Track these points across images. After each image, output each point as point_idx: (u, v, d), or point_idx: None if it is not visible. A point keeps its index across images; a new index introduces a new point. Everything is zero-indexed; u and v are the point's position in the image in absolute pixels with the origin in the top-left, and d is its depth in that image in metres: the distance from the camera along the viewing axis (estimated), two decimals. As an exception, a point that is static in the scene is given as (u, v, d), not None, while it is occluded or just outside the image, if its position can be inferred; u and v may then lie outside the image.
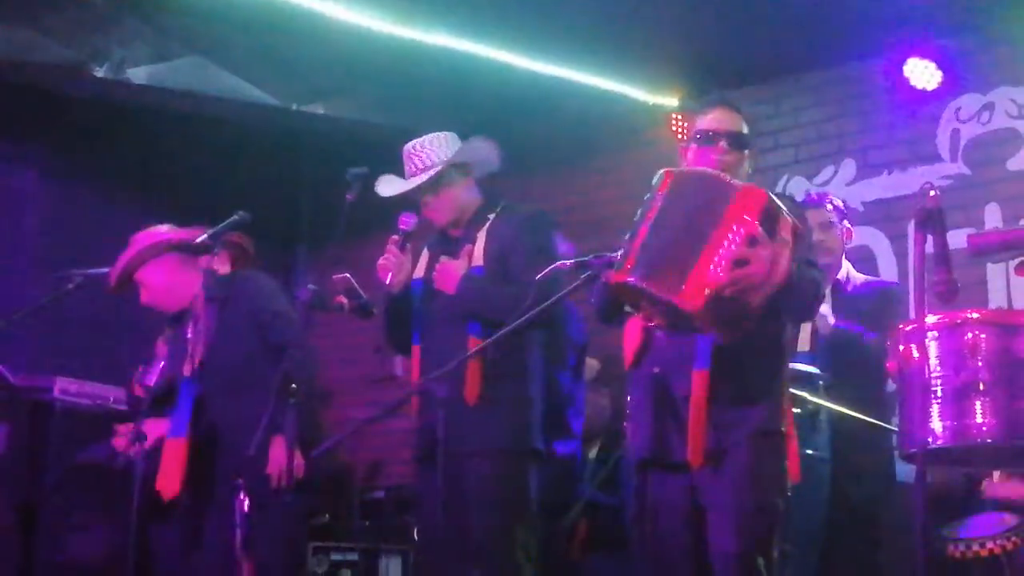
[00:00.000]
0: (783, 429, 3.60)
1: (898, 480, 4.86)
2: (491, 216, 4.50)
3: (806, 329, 4.78)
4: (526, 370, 4.41)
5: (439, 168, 4.45)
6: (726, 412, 3.52)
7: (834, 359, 4.66)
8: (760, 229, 3.35)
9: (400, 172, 4.55)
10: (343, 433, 4.94)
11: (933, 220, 3.24)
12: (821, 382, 4.56)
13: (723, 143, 3.70)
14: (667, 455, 3.58)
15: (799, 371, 4.41)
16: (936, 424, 3.38)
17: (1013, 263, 4.11)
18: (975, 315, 3.46)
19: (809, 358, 4.71)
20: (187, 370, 4.72)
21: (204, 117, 7.00)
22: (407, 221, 4.49)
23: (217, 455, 4.69)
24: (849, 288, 5.00)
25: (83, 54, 6.19)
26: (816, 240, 4.21)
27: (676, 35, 6.26)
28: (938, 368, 3.42)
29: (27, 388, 5.90)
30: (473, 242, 4.45)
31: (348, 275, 4.56)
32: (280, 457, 4.53)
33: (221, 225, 4.69)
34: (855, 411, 4.57)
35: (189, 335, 4.77)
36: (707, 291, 3.30)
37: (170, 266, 4.85)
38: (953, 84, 6.12)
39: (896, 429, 4.19)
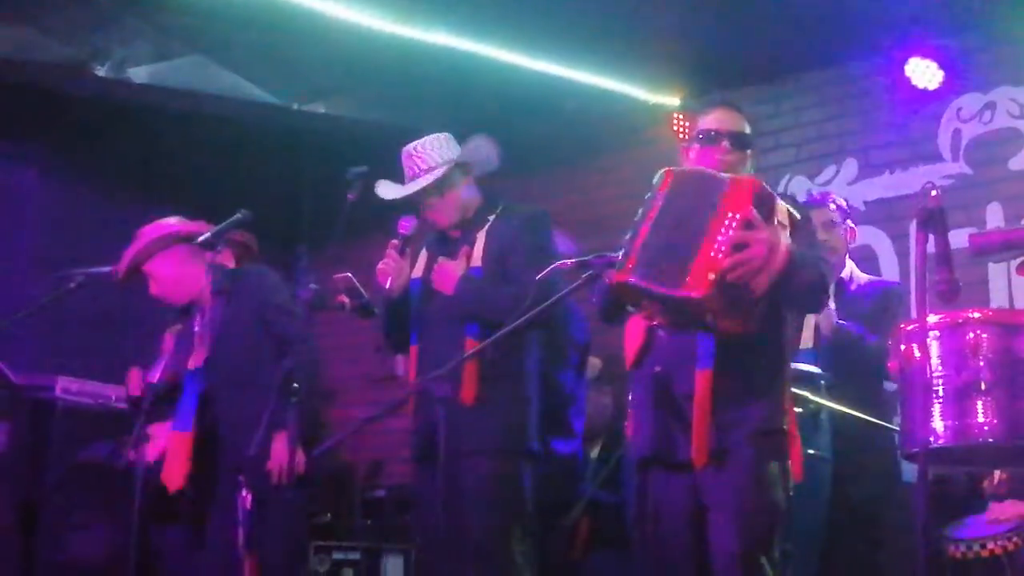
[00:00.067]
0: (785, 428, 3.60)
1: (900, 480, 4.86)
2: (491, 217, 4.50)
3: (809, 327, 4.78)
4: (523, 371, 4.41)
5: (445, 168, 4.45)
6: (728, 411, 3.52)
7: (835, 359, 4.67)
8: (755, 213, 3.38)
9: (399, 173, 4.54)
10: (343, 433, 4.95)
11: (935, 220, 3.23)
12: (823, 381, 4.56)
13: (725, 143, 3.71)
14: (670, 454, 3.58)
15: (800, 371, 4.40)
16: (938, 424, 3.38)
17: (1015, 263, 4.11)
18: (977, 315, 3.45)
19: (812, 356, 4.71)
20: (193, 364, 4.74)
21: (205, 116, 7.00)
22: (406, 225, 4.49)
23: (220, 451, 4.71)
24: (853, 287, 5.01)
25: (84, 53, 6.18)
26: (820, 240, 4.21)
27: (677, 34, 6.26)
28: (940, 368, 3.42)
29: (28, 387, 5.90)
30: (472, 243, 4.45)
31: (349, 274, 4.56)
32: (281, 453, 4.55)
33: (223, 224, 4.70)
34: (856, 411, 4.57)
35: (196, 328, 4.79)
36: (711, 276, 3.32)
37: (178, 258, 4.87)
38: (954, 83, 6.12)
39: (898, 429, 4.19)
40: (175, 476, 4.60)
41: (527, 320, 3.73)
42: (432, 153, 4.48)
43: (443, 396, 4.09)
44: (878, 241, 6.29)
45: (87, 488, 5.79)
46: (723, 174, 3.54)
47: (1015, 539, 4.50)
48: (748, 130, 3.79)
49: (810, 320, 4.77)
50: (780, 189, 6.42)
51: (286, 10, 5.95)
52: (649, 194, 3.56)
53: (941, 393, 3.40)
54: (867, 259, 6.04)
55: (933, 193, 3.25)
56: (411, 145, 4.52)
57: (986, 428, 3.35)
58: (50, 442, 5.85)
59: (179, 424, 4.69)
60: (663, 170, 3.61)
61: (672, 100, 6.95)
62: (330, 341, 7.03)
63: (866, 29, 6.01)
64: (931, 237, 3.24)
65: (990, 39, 6.09)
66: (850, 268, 5.07)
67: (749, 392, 3.56)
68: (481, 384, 4.26)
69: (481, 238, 4.45)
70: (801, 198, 5.93)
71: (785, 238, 3.43)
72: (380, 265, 4.47)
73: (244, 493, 4.42)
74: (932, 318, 3.40)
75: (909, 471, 4.39)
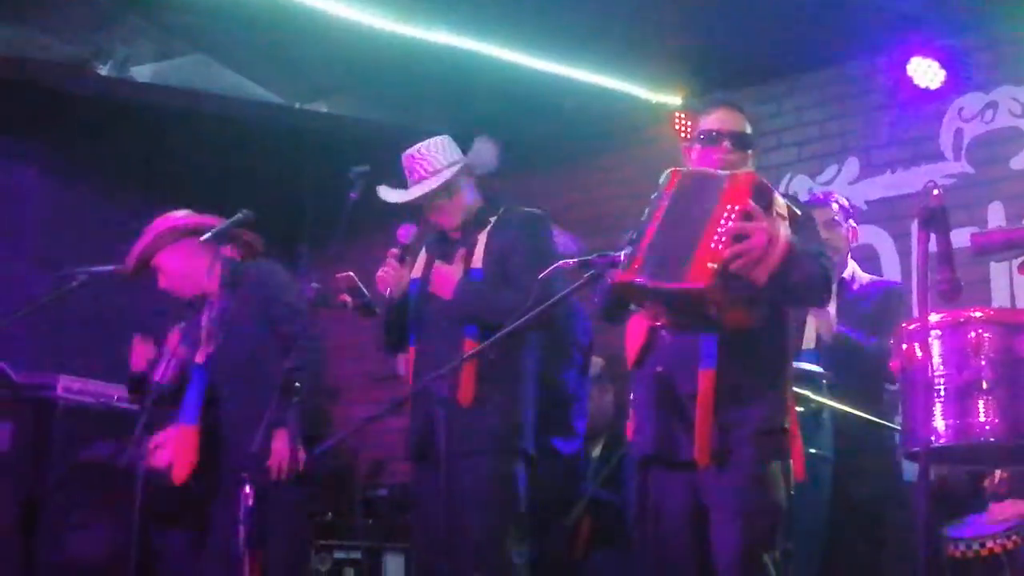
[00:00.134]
0: (787, 428, 3.61)
1: (901, 479, 4.86)
2: (492, 219, 4.50)
3: (811, 327, 4.78)
4: (521, 371, 4.42)
5: (454, 171, 4.45)
6: (731, 411, 3.52)
7: (836, 364, 4.66)
8: (754, 204, 3.39)
9: (400, 173, 4.53)
10: (344, 432, 4.95)
11: (936, 219, 3.23)
12: (824, 381, 4.56)
13: (727, 143, 3.72)
14: (672, 453, 3.59)
15: (802, 370, 4.41)
16: (939, 423, 3.39)
17: (1016, 262, 4.12)
18: (978, 314, 3.46)
19: (814, 356, 4.71)
20: (200, 357, 4.75)
21: (206, 115, 6.99)
22: (405, 234, 4.49)
23: (224, 448, 4.71)
24: (855, 287, 5.02)
25: (86, 52, 6.19)
26: (823, 239, 4.21)
27: (679, 33, 6.25)
28: (941, 367, 3.42)
29: (30, 386, 5.89)
30: (472, 245, 4.45)
31: (351, 273, 4.57)
32: (282, 451, 4.54)
33: (225, 223, 4.70)
34: (858, 410, 4.57)
35: (204, 322, 4.80)
36: (712, 266, 3.33)
37: (187, 251, 4.87)
38: (956, 83, 6.11)
39: (899, 428, 4.19)
40: (182, 469, 4.61)
41: (528, 320, 3.73)
42: (438, 155, 4.48)
43: (443, 396, 4.09)
44: (880, 240, 6.28)
45: (88, 488, 5.79)
46: (723, 171, 3.56)
47: (1014, 538, 4.49)
48: (749, 130, 3.80)
49: (811, 323, 4.77)
50: (782, 188, 6.43)
51: (288, 9, 5.95)
52: (655, 194, 3.57)
53: (942, 392, 3.40)
54: (869, 258, 6.03)
55: (935, 192, 3.25)
56: (413, 149, 4.51)
57: (987, 427, 3.35)
58: (51, 441, 5.83)
59: (185, 417, 4.70)
60: (669, 170, 3.62)
61: (674, 99, 6.95)
62: (332, 340, 7.01)
63: (868, 28, 6.01)
64: (933, 236, 3.24)
65: (992, 38, 6.09)
66: (852, 268, 5.08)
67: (751, 392, 3.56)
68: (479, 385, 4.26)
69: (482, 240, 4.45)
70: (803, 197, 5.95)
71: (784, 229, 3.44)
72: (380, 273, 4.48)
73: (247, 490, 4.42)
74: (934, 317, 3.40)
75: (910, 470, 4.40)
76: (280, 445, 4.54)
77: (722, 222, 3.38)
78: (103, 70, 6.23)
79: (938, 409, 3.39)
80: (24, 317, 5.40)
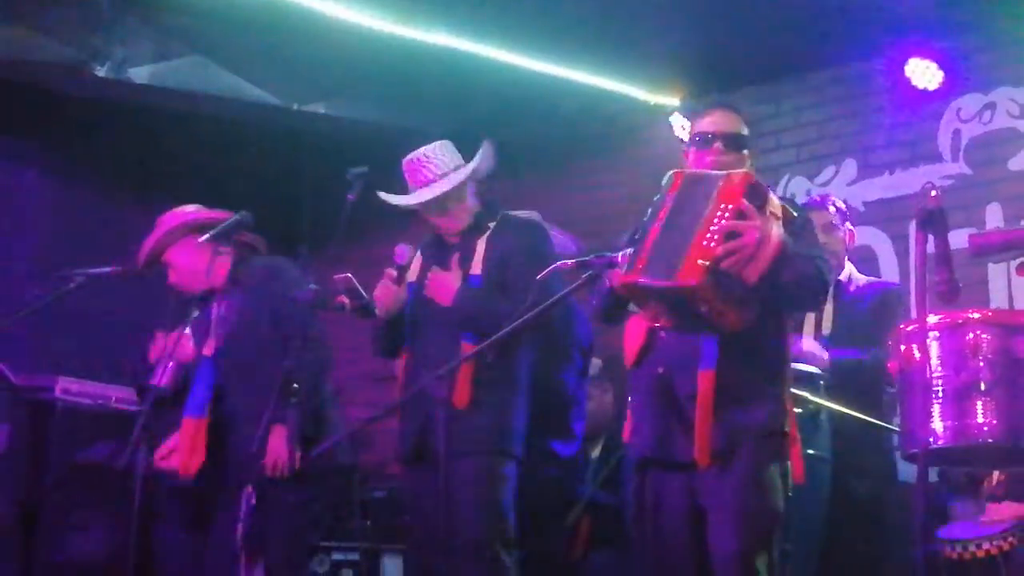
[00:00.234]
0: (786, 430, 3.60)
1: (899, 480, 4.86)
2: (491, 224, 4.50)
3: (810, 323, 4.79)
4: (514, 375, 4.42)
5: (465, 174, 4.44)
6: (730, 412, 3.52)
7: (835, 387, 4.63)
8: (747, 203, 3.39)
9: (399, 174, 4.53)
10: (343, 433, 4.95)
11: (934, 220, 3.24)
12: (822, 382, 4.56)
13: (718, 144, 3.71)
14: (671, 455, 3.58)
15: (800, 371, 4.40)
16: (937, 424, 3.39)
17: (1014, 263, 4.12)
18: (976, 315, 3.46)
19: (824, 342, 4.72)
20: (208, 350, 4.75)
21: (204, 116, 7.00)
22: (402, 254, 4.48)
23: (228, 444, 4.71)
24: (852, 289, 5.01)
25: (84, 53, 6.18)
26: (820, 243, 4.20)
27: (677, 34, 6.26)
28: (939, 368, 3.43)
29: (28, 387, 5.89)
30: (470, 251, 4.45)
31: (349, 275, 4.57)
32: (279, 449, 4.53)
33: (224, 225, 4.70)
34: (856, 411, 4.56)
35: (213, 316, 4.80)
36: (703, 263, 3.33)
37: (196, 246, 4.86)
38: (954, 84, 6.11)
39: (897, 429, 4.19)
40: (189, 462, 4.60)
41: (526, 321, 3.73)
42: (444, 159, 4.48)
43: (441, 397, 4.09)
44: (878, 242, 6.29)
45: (87, 488, 5.79)
46: (719, 172, 3.56)
47: (1011, 539, 4.50)
48: (745, 131, 3.79)
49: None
50: (780, 189, 6.45)
51: (286, 10, 5.95)
52: (658, 196, 3.57)
53: (941, 393, 3.41)
54: (867, 260, 6.03)
55: (933, 193, 3.25)
56: (416, 153, 4.50)
57: (985, 429, 3.36)
58: (50, 443, 5.84)
59: (193, 410, 4.69)
60: (672, 172, 3.63)
61: (672, 100, 6.94)
62: (330, 341, 7.02)
63: (866, 30, 6.01)
64: (931, 237, 3.25)
65: (990, 39, 6.09)
66: (849, 270, 5.07)
67: (751, 393, 3.56)
68: (474, 388, 4.27)
69: (481, 246, 4.45)
70: (801, 198, 5.96)
71: (778, 228, 3.44)
72: (376, 292, 4.50)
73: (249, 490, 4.42)
74: (932, 319, 3.40)
75: (908, 471, 4.39)
76: (277, 443, 4.54)
77: (715, 221, 3.39)
78: (101, 72, 6.22)
79: (936, 410, 3.39)
80: (22, 319, 5.39)
